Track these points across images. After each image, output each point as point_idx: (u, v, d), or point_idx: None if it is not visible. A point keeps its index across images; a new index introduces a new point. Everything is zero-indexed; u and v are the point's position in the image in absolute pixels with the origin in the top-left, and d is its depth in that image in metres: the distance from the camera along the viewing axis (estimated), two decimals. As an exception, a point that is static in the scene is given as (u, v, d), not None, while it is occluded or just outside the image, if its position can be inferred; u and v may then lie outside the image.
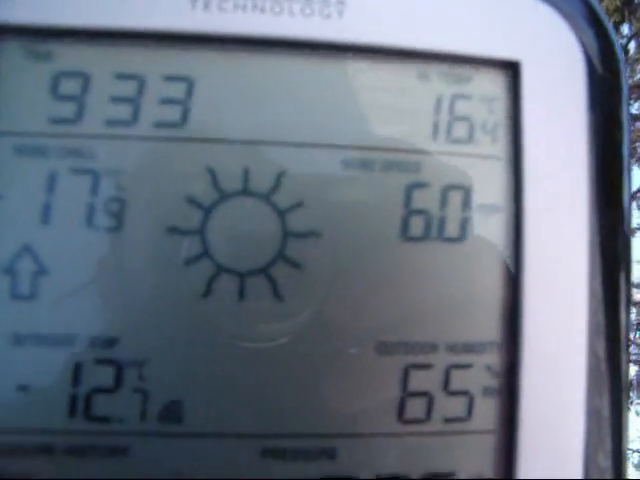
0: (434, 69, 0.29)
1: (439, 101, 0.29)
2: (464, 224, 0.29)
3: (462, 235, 0.29)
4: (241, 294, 0.28)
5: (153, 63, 0.28)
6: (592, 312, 0.30)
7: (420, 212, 0.29)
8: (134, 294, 0.28)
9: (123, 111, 0.28)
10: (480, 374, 0.29)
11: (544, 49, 0.30)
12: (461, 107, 0.29)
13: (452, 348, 0.29)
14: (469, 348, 0.29)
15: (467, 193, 0.29)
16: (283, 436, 0.28)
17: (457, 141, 0.29)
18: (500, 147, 0.30)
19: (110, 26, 0.27)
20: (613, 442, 0.30)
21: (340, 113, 0.29)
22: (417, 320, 0.29)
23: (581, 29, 0.30)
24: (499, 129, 0.30)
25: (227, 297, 0.28)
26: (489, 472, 0.29)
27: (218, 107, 0.28)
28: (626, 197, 0.32)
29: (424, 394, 0.29)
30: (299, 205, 0.28)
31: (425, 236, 0.29)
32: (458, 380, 0.29)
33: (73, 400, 0.27)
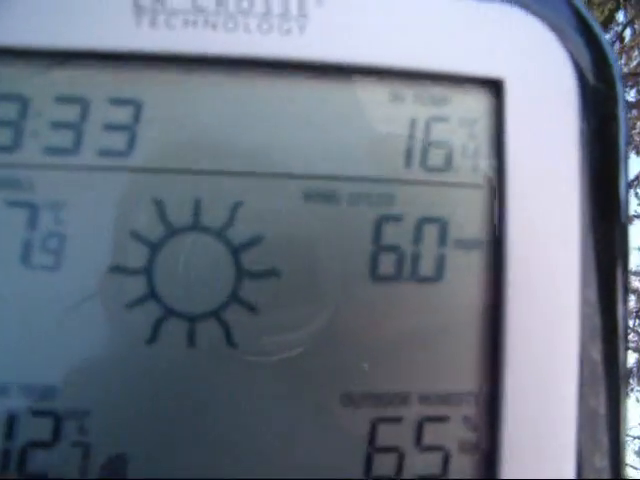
0: (408, 89, 0.27)
1: (413, 124, 0.27)
2: (440, 261, 0.26)
3: (438, 274, 0.26)
4: (190, 340, 0.25)
5: (97, 85, 0.26)
6: (584, 348, 0.27)
7: (391, 249, 0.26)
8: (74, 339, 0.25)
9: (64, 138, 0.25)
10: (457, 427, 0.26)
11: (530, 64, 0.27)
12: (438, 131, 0.27)
13: (425, 399, 0.26)
14: (444, 399, 0.26)
15: (444, 227, 0.26)
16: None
17: (433, 169, 0.27)
18: (481, 175, 0.27)
19: (50, 46, 0.25)
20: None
21: (302, 139, 0.26)
22: (386, 368, 0.26)
23: (570, 39, 0.27)
24: (480, 155, 0.27)
25: (175, 343, 0.25)
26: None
27: (167, 133, 0.26)
28: (623, 216, 0.29)
29: (394, 449, 0.26)
30: (255, 241, 0.26)
31: (397, 275, 0.26)
32: (432, 434, 0.26)
33: (6, 455, 0.25)
